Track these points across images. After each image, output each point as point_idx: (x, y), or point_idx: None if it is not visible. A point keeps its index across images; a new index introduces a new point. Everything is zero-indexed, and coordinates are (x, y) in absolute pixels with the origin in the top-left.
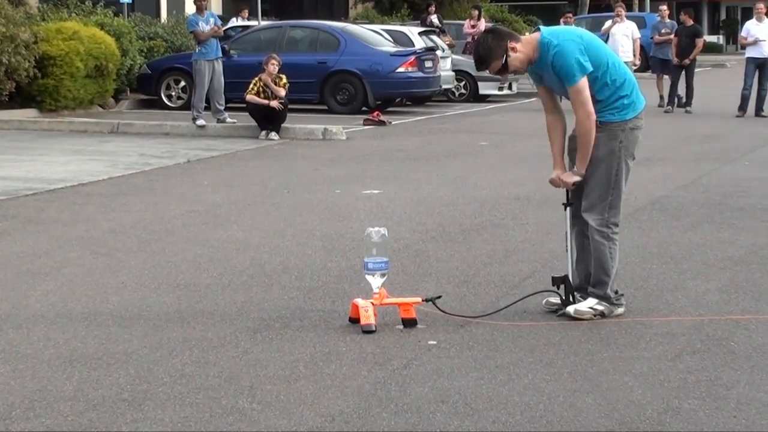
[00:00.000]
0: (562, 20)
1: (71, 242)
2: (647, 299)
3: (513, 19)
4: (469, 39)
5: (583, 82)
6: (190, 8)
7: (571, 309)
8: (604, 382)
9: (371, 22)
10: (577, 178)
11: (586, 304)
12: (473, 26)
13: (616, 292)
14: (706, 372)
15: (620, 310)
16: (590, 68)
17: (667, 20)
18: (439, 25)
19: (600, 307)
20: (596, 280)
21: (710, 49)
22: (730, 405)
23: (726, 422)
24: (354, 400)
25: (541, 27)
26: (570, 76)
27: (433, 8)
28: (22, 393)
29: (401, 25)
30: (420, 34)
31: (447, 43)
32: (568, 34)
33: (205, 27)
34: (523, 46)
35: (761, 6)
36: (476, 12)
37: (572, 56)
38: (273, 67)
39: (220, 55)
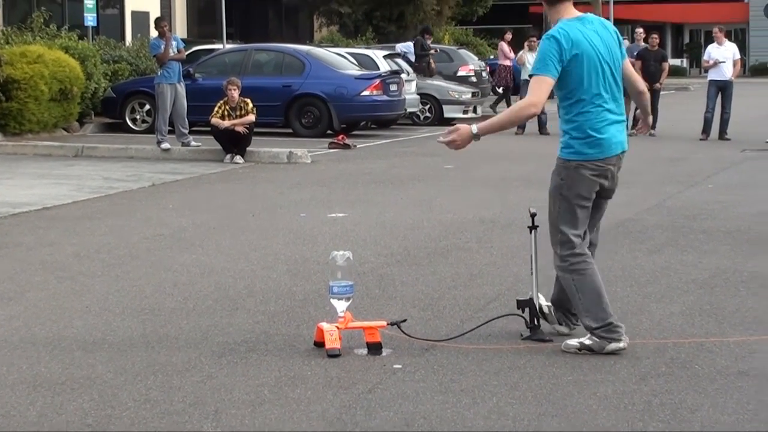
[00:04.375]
0: (526, 44)
1: (35, 266)
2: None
3: (478, 42)
4: (507, 62)
5: (541, 78)
6: (154, 32)
7: (563, 344)
8: (568, 406)
9: (336, 46)
10: (451, 136)
11: (577, 338)
12: (509, 52)
13: (608, 325)
14: (670, 395)
15: (614, 345)
16: (555, 75)
17: (642, 43)
18: (429, 48)
19: (588, 342)
20: (576, 313)
21: (674, 72)
22: (695, 428)
23: None
24: (319, 424)
25: (579, 17)
26: (534, 65)
27: (425, 34)
28: None
29: (366, 48)
30: (385, 57)
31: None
32: (563, 34)
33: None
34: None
35: (717, 30)
36: (509, 36)
37: (547, 52)
38: (232, 92)
39: (182, 78)
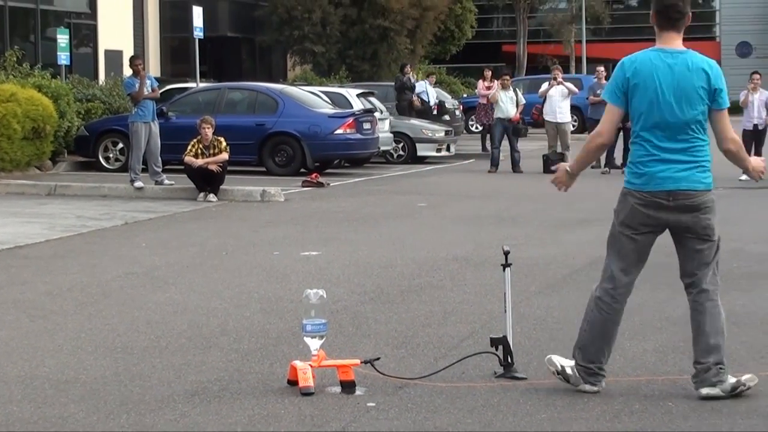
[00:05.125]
0: (498, 83)
1: (7, 305)
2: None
3: (451, 80)
4: (483, 100)
5: (609, 107)
6: (128, 70)
7: (547, 357)
8: None
9: (309, 84)
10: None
11: (562, 361)
12: (488, 87)
13: (594, 370)
14: None
15: (588, 387)
16: (616, 102)
17: (604, 81)
18: (413, 85)
19: (569, 371)
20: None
21: None
22: None
23: None
24: None
25: (666, 48)
26: (604, 90)
27: (408, 68)
28: None
29: (339, 86)
30: (358, 95)
31: (417, 106)
32: (631, 60)
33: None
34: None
35: None
36: (489, 73)
37: (612, 77)
38: (206, 131)
39: (156, 117)
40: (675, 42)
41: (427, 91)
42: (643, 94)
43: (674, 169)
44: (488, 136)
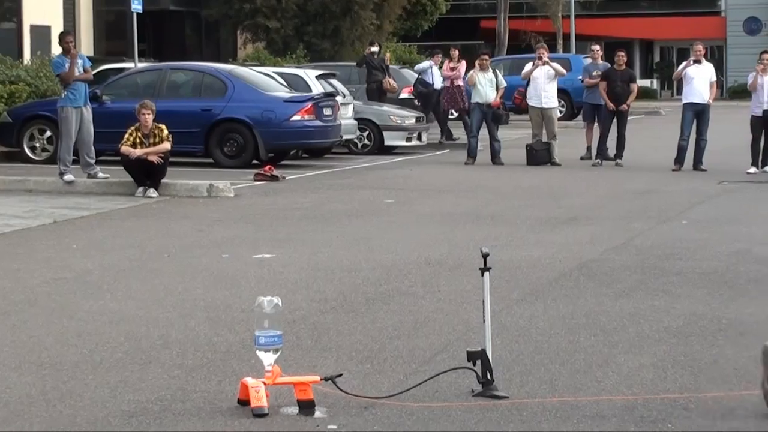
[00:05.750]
0: (477, 63)
1: None
2: (574, 376)
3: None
4: (447, 83)
5: None
6: (57, 48)
7: None
8: None
9: (263, 65)
10: None
11: None
12: (452, 68)
13: None
14: None
15: None
16: None
17: (600, 62)
18: (388, 66)
19: None
20: None
21: (643, 94)
22: None
23: None
24: None
25: None
26: None
27: (377, 49)
28: None
29: (296, 67)
30: (318, 77)
31: (389, 89)
32: None
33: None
34: None
35: (700, 47)
36: (456, 52)
37: None
38: (146, 117)
39: (89, 101)
40: None
41: (432, 72)
42: None
43: None
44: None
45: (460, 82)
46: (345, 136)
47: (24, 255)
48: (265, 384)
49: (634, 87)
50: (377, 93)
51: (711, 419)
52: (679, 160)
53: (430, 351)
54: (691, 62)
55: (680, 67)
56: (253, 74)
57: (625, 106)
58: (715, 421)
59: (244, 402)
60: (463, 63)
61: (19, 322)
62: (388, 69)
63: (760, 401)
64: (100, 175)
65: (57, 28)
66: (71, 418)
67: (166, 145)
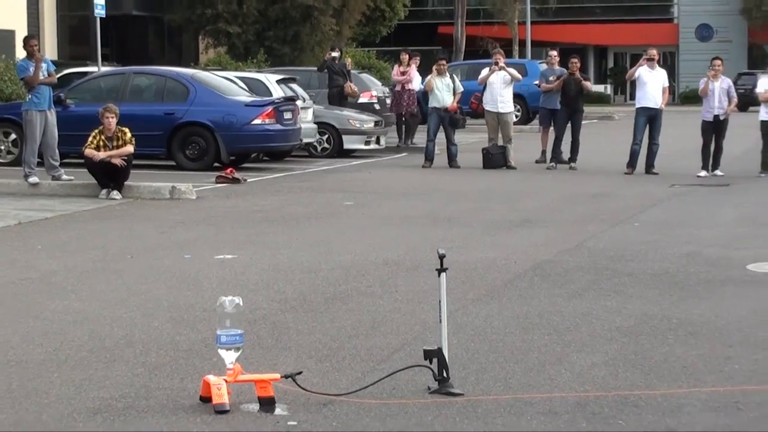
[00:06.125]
0: (434, 68)
1: None
2: (527, 374)
3: (381, 65)
4: (398, 87)
5: None
6: (21, 52)
7: None
8: None
9: (224, 69)
10: None
11: None
12: (403, 73)
13: None
14: None
15: None
16: None
17: (557, 67)
18: (349, 71)
19: None
20: None
21: (597, 99)
22: None
23: None
24: None
25: None
26: None
27: (338, 54)
28: None
29: (257, 71)
30: (279, 82)
31: (350, 93)
32: None
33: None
34: None
35: (654, 52)
36: (405, 57)
37: None
38: (109, 121)
39: (53, 105)
40: None
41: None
42: None
43: None
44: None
45: (411, 86)
46: (305, 140)
47: None
48: (226, 381)
49: (587, 85)
50: (338, 97)
51: (660, 415)
52: (632, 163)
53: (388, 349)
54: (644, 62)
55: (634, 67)
56: (215, 78)
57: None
58: (664, 417)
59: (206, 399)
60: (414, 67)
61: None
62: (350, 74)
63: (708, 397)
64: (64, 177)
65: (21, 32)
66: (37, 415)
67: (129, 148)
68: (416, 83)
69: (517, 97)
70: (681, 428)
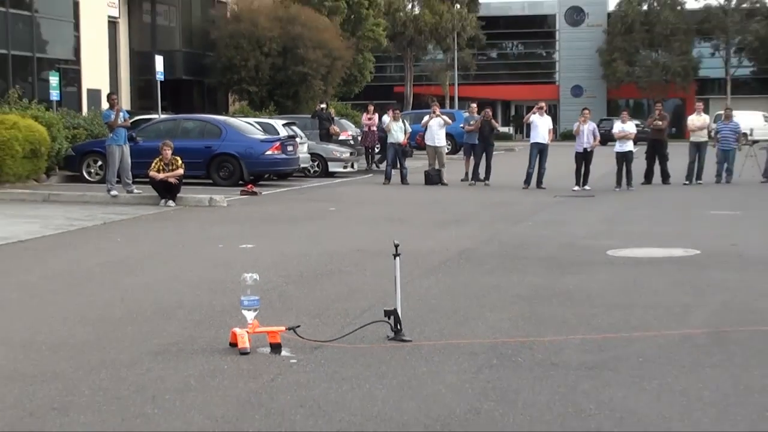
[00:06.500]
0: (391, 114)
1: (12, 286)
2: (457, 327)
3: (354, 113)
4: (366, 128)
5: None
6: (105, 104)
7: None
8: (423, 390)
9: (246, 116)
10: None
11: None
12: (369, 119)
13: None
14: (500, 381)
15: None
16: None
17: (475, 115)
18: (333, 118)
19: None
20: None
21: (503, 137)
22: (518, 406)
23: (515, 420)
24: (233, 405)
25: None
26: None
27: (325, 106)
28: None
29: (269, 118)
30: (284, 125)
31: (333, 133)
32: None
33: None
34: None
35: (542, 104)
36: (371, 107)
37: None
38: (166, 151)
39: (127, 141)
40: None
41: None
42: None
43: None
44: (370, 155)
45: (374, 128)
46: (302, 165)
47: (83, 246)
48: (248, 333)
49: (496, 125)
50: (325, 136)
51: (547, 354)
52: (527, 181)
53: (360, 310)
54: (536, 111)
55: (528, 115)
56: (240, 122)
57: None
58: (549, 355)
59: (233, 344)
60: (376, 115)
61: (81, 291)
62: (333, 119)
63: (580, 342)
64: (135, 191)
65: (105, 90)
66: (116, 356)
67: (180, 171)
68: (395, 128)
69: (448, 135)
70: (560, 363)
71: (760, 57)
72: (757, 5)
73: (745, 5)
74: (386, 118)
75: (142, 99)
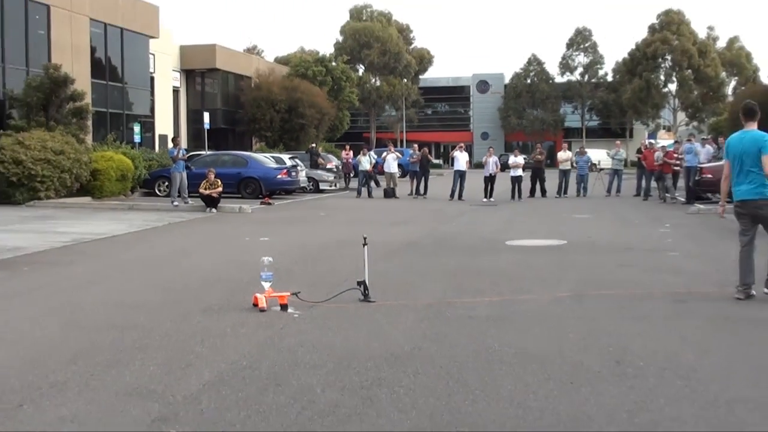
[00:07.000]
0: (361, 152)
1: (110, 265)
2: (405, 292)
3: (336, 150)
4: (344, 161)
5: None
6: (170, 144)
7: None
8: (383, 334)
9: (263, 152)
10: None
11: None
12: (347, 154)
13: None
14: (434, 329)
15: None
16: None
17: (417, 151)
18: (320, 154)
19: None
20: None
21: (435, 167)
22: (446, 345)
23: (444, 353)
24: (255, 345)
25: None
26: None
27: (314, 144)
28: (69, 351)
29: (280, 153)
30: (289, 158)
31: (321, 163)
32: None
33: (178, 154)
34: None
35: (461, 144)
36: (348, 146)
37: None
38: (210, 175)
39: (185, 169)
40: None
41: (382, 157)
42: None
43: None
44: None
45: (350, 160)
46: (301, 184)
47: (155, 238)
48: (265, 297)
49: (429, 158)
50: (314, 165)
51: (464, 311)
52: (452, 195)
53: (341, 280)
54: (456, 149)
55: (452, 151)
56: (260, 156)
57: (428, 175)
58: (466, 311)
59: (255, 305)
60: (351, 152)
61: (155, 270)
62: (320, 155)
63: (489, 301)
64: (190, 202)
65: (170, 135)
66: (177, 311)
67: (220, 189)
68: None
69: (399, 165)
70: (475, 316)
71: (603, 114)
72: (602, 80)
73: (593, 80)
74: (360, 156)
75: (195, 141)
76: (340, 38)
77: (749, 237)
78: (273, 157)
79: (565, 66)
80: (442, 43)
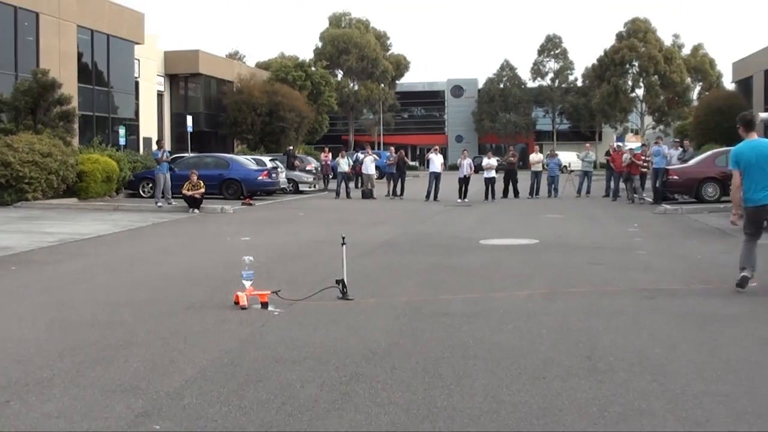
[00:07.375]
0: (340, 154)
1: (97, 263)
2: (382, 290)
3: (315, 153)
4: (323, 162)
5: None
6: (155, 146)
7: None
8: (361, 331)
9: (245, 154)
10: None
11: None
12: (326, 156)
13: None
14: (410, 325)
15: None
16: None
17: (394, 153)
18: (296, 156)
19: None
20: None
21: (412, 168)
22: (423, 340)
23: (420, 349)
24: (237, 342)
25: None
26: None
27: (292, 148)
28: (56, 348)
29: (261, 155)
30: (270, 160)
31: (297, 165)
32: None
33: (161, 155)
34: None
35: (437, 147)
36: (327, 149)
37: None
38: (193, 177)
39: (168, 170)
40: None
41: (359, 158)
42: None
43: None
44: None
45: (329, 162)
46: (281, 186)
47: (139, 238)
48: (246, 295)
49: (407, 160)
50: (291, 166)
51: (441, 306)
52: (428, 196)
53: (320, 278)
54: (431, 152)
55: (428, 153)
56: (241, 158)
57: (405, 176)
58: (443, 307)
59: (236, 303)
60: (330, 154)
61: (138, 269)
62: (297, 156)
63: (464, 298)
64: (173, 203)
65: (154, 138)
66: (161, 309)
67: (202, 190)
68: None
69: (377, 167)
70: (450, 313)
71: (574, 118)
72: (572, 85)
73: (564, 85)
74: (339, 158)
75: (178, 143)
76: (320, 44)
77: (752, 232)
78: (254, 159)
79: (537, 71)
80: (418, 49)
